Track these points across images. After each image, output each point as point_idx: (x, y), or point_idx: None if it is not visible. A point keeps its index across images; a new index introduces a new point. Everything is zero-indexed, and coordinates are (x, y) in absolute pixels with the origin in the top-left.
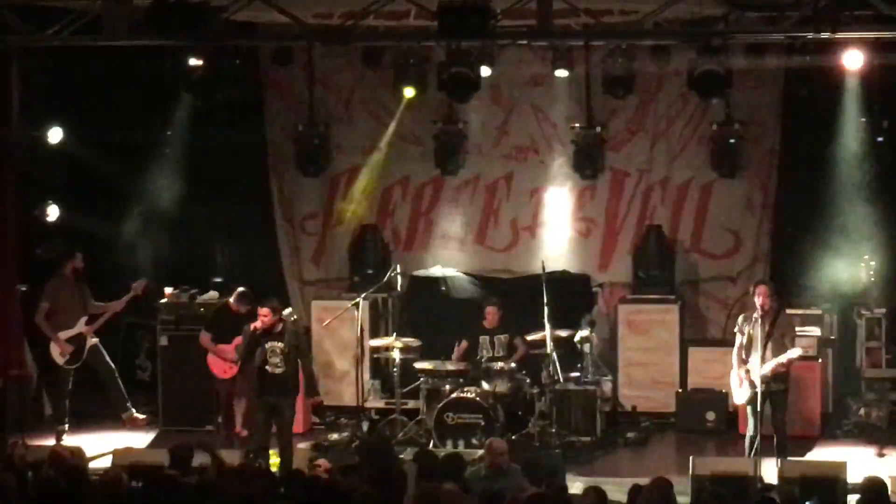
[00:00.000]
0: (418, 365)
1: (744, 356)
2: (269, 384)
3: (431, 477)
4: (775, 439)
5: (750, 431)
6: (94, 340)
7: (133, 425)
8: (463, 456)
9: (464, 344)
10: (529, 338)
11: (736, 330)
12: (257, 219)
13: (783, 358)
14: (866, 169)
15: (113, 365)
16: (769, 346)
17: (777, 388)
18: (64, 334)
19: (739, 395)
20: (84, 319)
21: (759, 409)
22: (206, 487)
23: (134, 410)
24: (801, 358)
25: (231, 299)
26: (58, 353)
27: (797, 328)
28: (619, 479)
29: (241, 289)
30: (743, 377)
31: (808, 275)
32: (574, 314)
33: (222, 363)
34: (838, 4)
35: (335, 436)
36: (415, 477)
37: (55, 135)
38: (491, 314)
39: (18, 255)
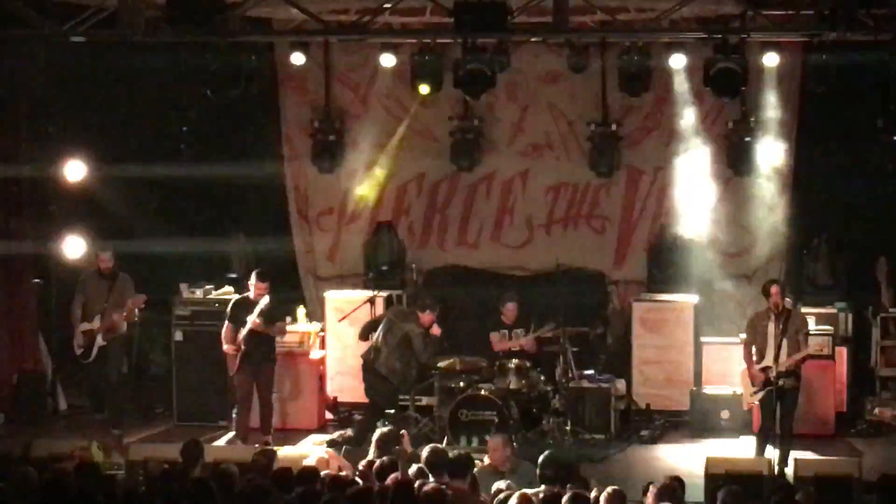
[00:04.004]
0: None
1: (756, 355)
2: None
3: (440, 475)
4: (780, 438)
5: (760, 429)
6: (103, 343)
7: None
8: (471, 455)
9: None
10: (544, 335)
11: (747, 328)
12: (272, 215)
13: (800, 355)
14: (882, 167)
15: (116, 377)
16: (783, 343)
17: (789, 385)
18: (83, 326)
19: (751, 392)
20: (98, 317)
21: (773, 406)
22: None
23: (120, 433)
24: (816, 357)
25: (251, 289)
26: (75, 344)
27: (812, 327)
28: (632, 478)
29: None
30: (756, 374)
31: (822, 273)
32: (588, 312)
33: (231, 359)
34: (855, 3)
35: (349, 431)
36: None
37: (70, 130)
38: (510, 310)
39: (33, 249)
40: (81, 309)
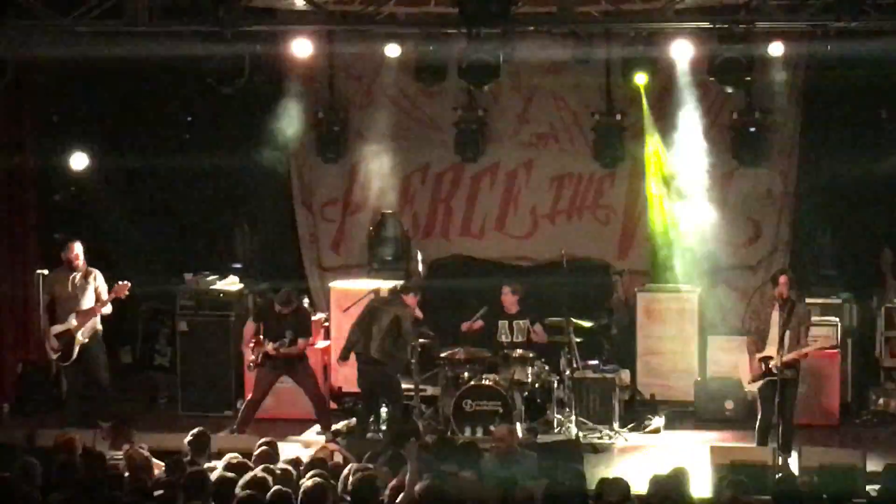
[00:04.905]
0: (438, 352)
1: (757, 342)
2: None
3: (448, 465)
4: (781, 427)
5: (761, 419)
6: (85, 341)
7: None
8: (478, 444)
9: (479, 323)
10: (548, 325)
11: (751, 316)
12: (277, 205)
13: (803, 350)
14: (887, 158)
15: (105, 381)
16: (786, 335)
17: (789, 375)
18: (56, 329)
19: (749, 381)
20: (74, 315)
21: (774, 397)
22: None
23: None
24: (821, 348)
25: (275, 300)
26: (48, 348)
27: (817, 318)
28: (637, 469)
29: (284, 290)
30: (756, 363)
31: (827, 264)
32: (593, 302)
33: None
34: None
35: (353, 422)
36: (415, 460)
37: (75, 120)
38: (506, 295)
39: (38, 239)
40: (50, 310)
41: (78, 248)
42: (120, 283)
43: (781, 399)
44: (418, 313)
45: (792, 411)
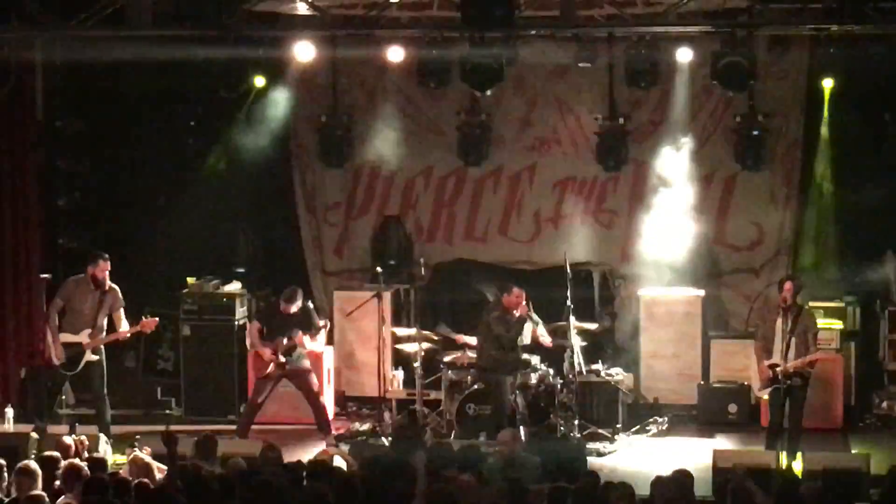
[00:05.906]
0: (441, 356)
1: (764, 350)
2: None
3: (447, 468)
4: (788, 433)
5: (770, 425)
6: (95, 358)
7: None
8: (479, 447)
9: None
10: (551, 329)
11: (758, 323)
12: (280, 209)
13: (808, 358)
14: (890, 161)
15: (105, 393)
16: (793, 341)
17: (797, 382)
18: (65, 337)
19: (759, 388)
20: (87, 332)
21: (782, 403)
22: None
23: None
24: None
25: (281, 299)
26: (53, 354)
27: (820, 321)
28: (640, 472)
29: (290, 287)
30: (765, 371)
31: (831, 267)
32: (596, 306)
33: (259, 362)
34: None
35: (357, 426)
36: (424, 469)
37: (78, 124)
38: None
39: (42, 244)
40: (60, 317)
41: (106, 266)
42: (147, 318)
43: (790, 405)
44: (522, 310)
45: (801, 417)
